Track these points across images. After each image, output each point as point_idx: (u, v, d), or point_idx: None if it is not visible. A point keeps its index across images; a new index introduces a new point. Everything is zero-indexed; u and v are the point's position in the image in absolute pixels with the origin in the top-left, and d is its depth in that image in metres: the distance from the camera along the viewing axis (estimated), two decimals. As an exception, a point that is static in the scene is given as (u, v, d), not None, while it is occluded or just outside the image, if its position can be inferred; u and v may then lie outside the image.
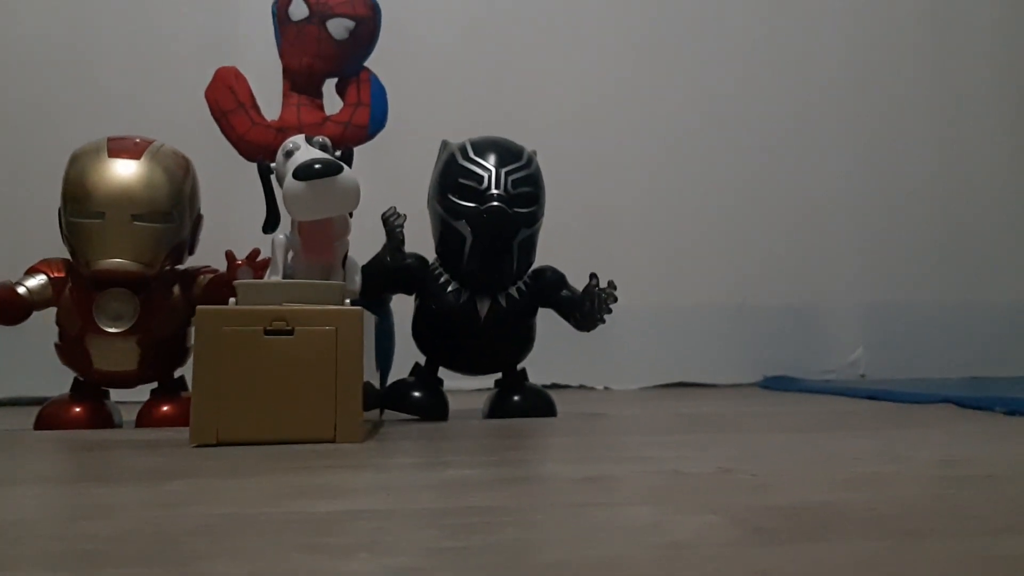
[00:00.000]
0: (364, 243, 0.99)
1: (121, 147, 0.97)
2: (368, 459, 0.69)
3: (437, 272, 1.03)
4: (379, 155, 1.13)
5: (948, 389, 1.32)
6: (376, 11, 1.10)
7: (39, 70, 1.55)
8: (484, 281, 1.01)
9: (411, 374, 1.05)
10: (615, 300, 0.97)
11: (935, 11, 1.90)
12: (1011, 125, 1.90)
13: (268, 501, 0.50)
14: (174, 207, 0.98)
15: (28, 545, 0.41)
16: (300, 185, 0.85)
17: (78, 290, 0.97)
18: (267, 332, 0.78)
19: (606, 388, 1.68)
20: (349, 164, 0.90)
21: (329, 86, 1.11)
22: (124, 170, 0.96)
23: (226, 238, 1.05)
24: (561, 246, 1.13)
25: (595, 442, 0.84)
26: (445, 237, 1.01)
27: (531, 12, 1.76)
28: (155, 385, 1.03)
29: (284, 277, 0.90)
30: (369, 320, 0.85)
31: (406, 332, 1.06)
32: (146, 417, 1.00)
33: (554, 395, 1.09)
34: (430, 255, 1.05)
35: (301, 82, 1.08)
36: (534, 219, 1.01)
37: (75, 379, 1.00)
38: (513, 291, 1.02)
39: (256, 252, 1.02)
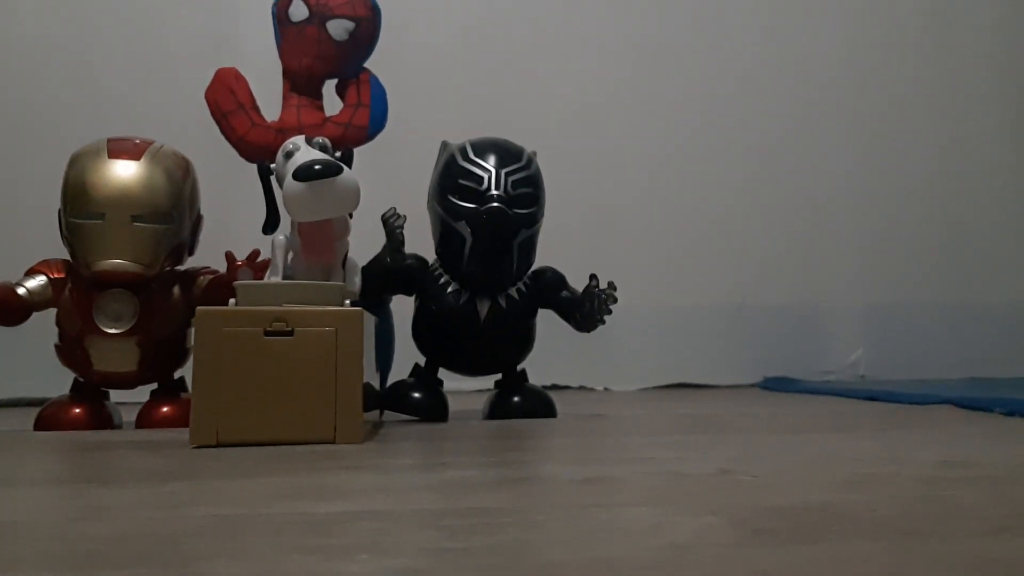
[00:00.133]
0: (364, 244, 0.99)
1: (121, 148, 0.97)
2: (368, 460, 0.69)
3: (437, 273, 1.03)
4: (379, 156, 1.13)
5: (948, 390, 1.32)
6: (376, 12, 1.10)
7: (39, 70, 1.55)
8: (484, 282, 1.01)
9: (411, 375, 1.05)
10: (615, 301, 0.97)
11: (935, 11, 1.90)
12: (1011, 125, 1.90)
13: (268, 502, 0.50)
14: (174, 208, 0.98)
15: (28, 545, 0.41)
16: (300, 186, 0.85)
17: (78, 291, 0.97)
18: (267, 333, 0.78)
19: (606, 389, 1.68)
20: (349, 165, 0.90)
21: (329, 87, 1.11)
22: (124, 171, 0.96)
23: (226, 239, 1.05)
24: (561, 246, 1.13)
25: (595, 443, 0.84)
26: (445, 238, 1.01)
27: (531, 12, 1.76)
28: (155, 386, 1.03)
29: (284, 278, 0.90)
30: (369, 321, 0.85)
31: (406, 333, 1.06)
32: (146, 418, 1.00)
33: (554, 396, 1.09)
34: (430, 256, 1.05)
35: (301, 83, 1.08)
36: (534, 220, 1.01)
37: (75, 380, 1.00)
38: (513, 292, 1.02)
39: (256, 253, 1.02)
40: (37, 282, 0.98)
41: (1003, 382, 1.57)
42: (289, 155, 0.89)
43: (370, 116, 1.09)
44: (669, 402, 1.37)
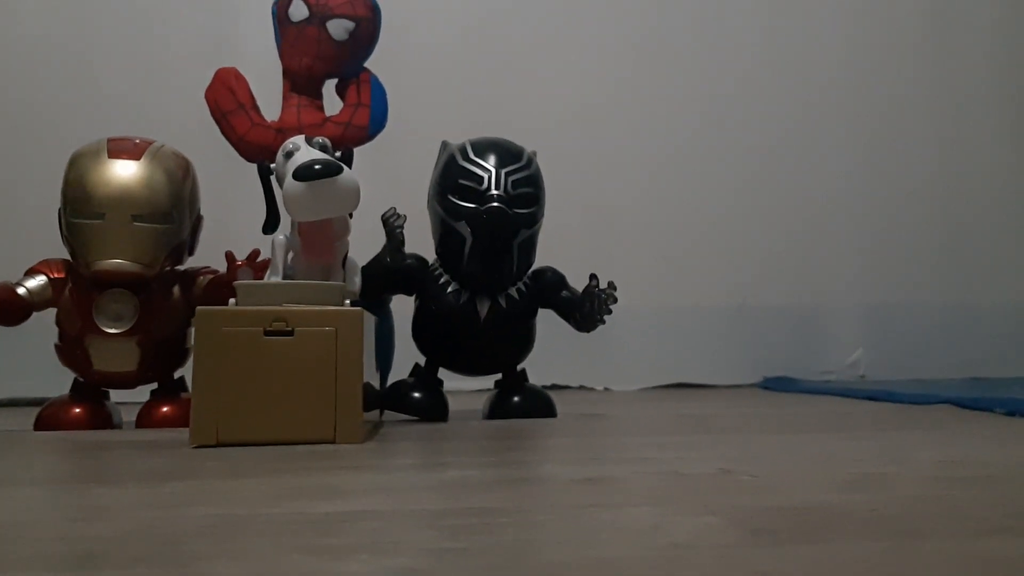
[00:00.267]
0: (364, 243, 0.99)
1: (121, 148, 0.97)
2: (368, 460, 0.69)
3: (437, 273, 1.03)
4: (379, 155, 1.13)
5: (948, 390, 1.32)
6: (376, 12, 1.10)
7: (39, 70, 1.55)
8: (484, 282, 1.01)
9: (411, 375, 1.05)
10: (615, 301, 0.97)
11: (935, 11, 1.90)
12: (1011, 125, 1.90)
13: (268, 502, 0.50)
14: (174, 208, 0.98)
15: (28, 545, 0.41)
16: (300, 186, 0.85)
17: (78, 291, 0.97)
18: (267, 333, 0.78)
19: (606, 389, 1.68)
20: (349, 165, 0.90)
21: (329, 87, 1.11)
22: (124, 171, 0.96)
23: (226, 238, 1.05)
24: (561, 246, 1.13)
25: (595, 443, 0.84)
26: (445, 238, 1.01)
27: (531, 12, 1.76)
28: (155, 386, 1.03)
29: (284, 278, 0.90)
30: (369, 321, 0.85)
31: (406, 333, 1.06)
32: (146, 418, 1.00)
33: (554, 396, 1.09)
34: (430, 255, 1.05)
35: (301, 83, 1.08)
36: (534, 220, 1.01)
37: (75, 380, 1.00)
38: (513, 292, 1.02)
39: (256, 253, 1.02)
40: (37, 282, 0.98)
41: (1003, 382, 1.57)
42: (289, 155, 0.89)
43: (370, 116, 1.09)
44: (669, 402, 1.37)
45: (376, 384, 1.00)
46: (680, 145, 1.78)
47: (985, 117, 1.89)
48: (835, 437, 0.85)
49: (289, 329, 0.78)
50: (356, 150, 0.99)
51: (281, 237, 0.92)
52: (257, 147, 1.04)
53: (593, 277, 0.99)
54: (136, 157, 0.97)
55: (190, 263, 1.04)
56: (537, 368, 1.09)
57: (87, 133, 1.01)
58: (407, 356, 1.07)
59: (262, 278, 0.98)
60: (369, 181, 0.91)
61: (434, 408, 1.03)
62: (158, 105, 1.46)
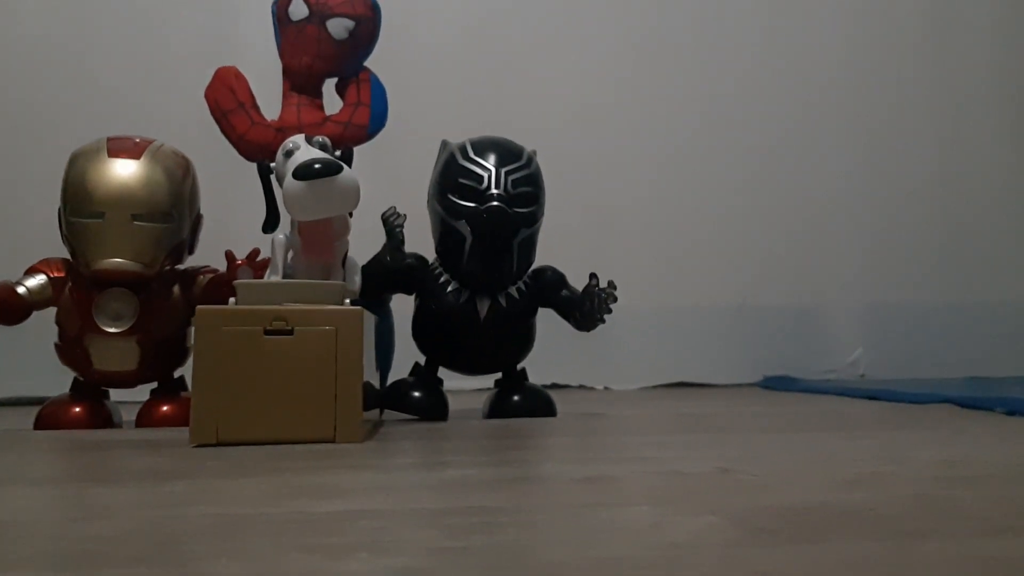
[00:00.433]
0: (364, 243, 0.99)
1: (121, 147, 0.97)
2: (368, 459, 0.69)
3: (437, 272, 1.03)
4: (379, 155, 1.13)
5: (948, 389, 1.32)
6: (376, 11, 1.10)
7: (39, 70, 1.55)
8: (484, 281, 1.01)
9: (411, 374, 1.05)
10: (615, 300, 0.97)
11: (935, 11, 1.90)
12: (1011, 125, 1.90)
13: (268, 501, 0.50)
14: (174, 207, 0.98)
15: (28, 545, 0.41)
16: (300, 185, 0.85)
17: (78, 290, 0.97)
18: (267, 332, 0.78)
19: (606, 388, 1.68)
20: (349, 164, 0.90)
21: (329, 86, 1.11)
22: (124, 170, 0.96)
23: (226, 238, 1.05)
24: (561, 246, 1.13)
25: (595, 442, 0.84)
26: (445, 237, 1.01)
27: (531, 12, 1.76)
28: (155, 385, 1.03)
29: (284, 277, 0.90)
30: (369, 320, 0.85)
31: (406, 332, 1.06)
32: (146, 417, 1.00)
33: (554, 395, 1.09)
34: (430, 255, 1.05)
35: (301, 82, 1.08)
36: (534, 219, 1.01)
37: (75, 379, 1.00)
38: (513, 291, 1.02)
39: (256, 252, 1.02)
40: (37, 281, 0.98)
41: (1003, 382, 1.57)
42: (289, 154, 0.89)
43: (370, 115, 1.09)
44: (669, 401, 1.37)
45: (376, 383, 1.00)
46: (680, 145, 1.77)
47: (985, 117, 1.89)
48: (835, 436, 0.85)
49: (289, 328, 0.78)
50: (356, 149, 0.99)
51: (281, 236, 0.92)
52: (257, 146, 1.04)
53: (593, 276, 0.99)
54: (136, 156, 0.97)
55: (190, 262, 1.04)
56: (537, 367, 1.09)
57: (87, 133, 1.01)
58: (407, 355, 1.07)
59: (262, 277, 0.98)
60: (369, 180, 0.91)
61: (434, 407, 1.03)
62: (158, 105, 1.46)
